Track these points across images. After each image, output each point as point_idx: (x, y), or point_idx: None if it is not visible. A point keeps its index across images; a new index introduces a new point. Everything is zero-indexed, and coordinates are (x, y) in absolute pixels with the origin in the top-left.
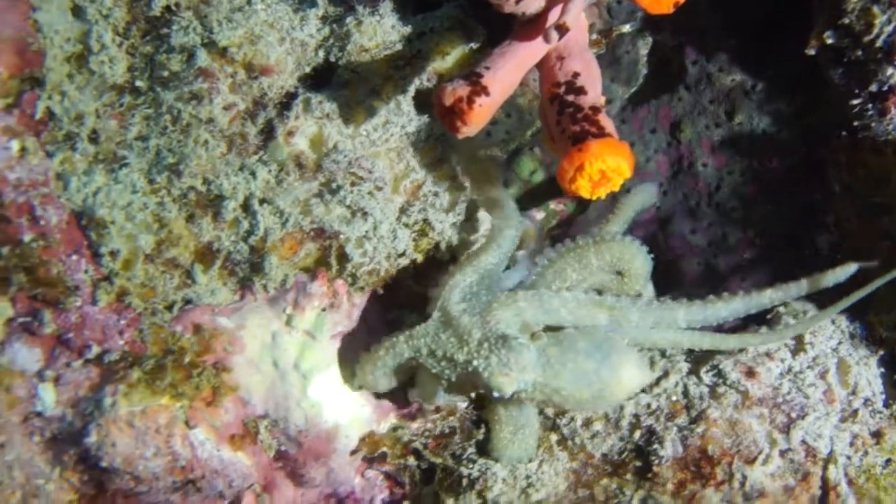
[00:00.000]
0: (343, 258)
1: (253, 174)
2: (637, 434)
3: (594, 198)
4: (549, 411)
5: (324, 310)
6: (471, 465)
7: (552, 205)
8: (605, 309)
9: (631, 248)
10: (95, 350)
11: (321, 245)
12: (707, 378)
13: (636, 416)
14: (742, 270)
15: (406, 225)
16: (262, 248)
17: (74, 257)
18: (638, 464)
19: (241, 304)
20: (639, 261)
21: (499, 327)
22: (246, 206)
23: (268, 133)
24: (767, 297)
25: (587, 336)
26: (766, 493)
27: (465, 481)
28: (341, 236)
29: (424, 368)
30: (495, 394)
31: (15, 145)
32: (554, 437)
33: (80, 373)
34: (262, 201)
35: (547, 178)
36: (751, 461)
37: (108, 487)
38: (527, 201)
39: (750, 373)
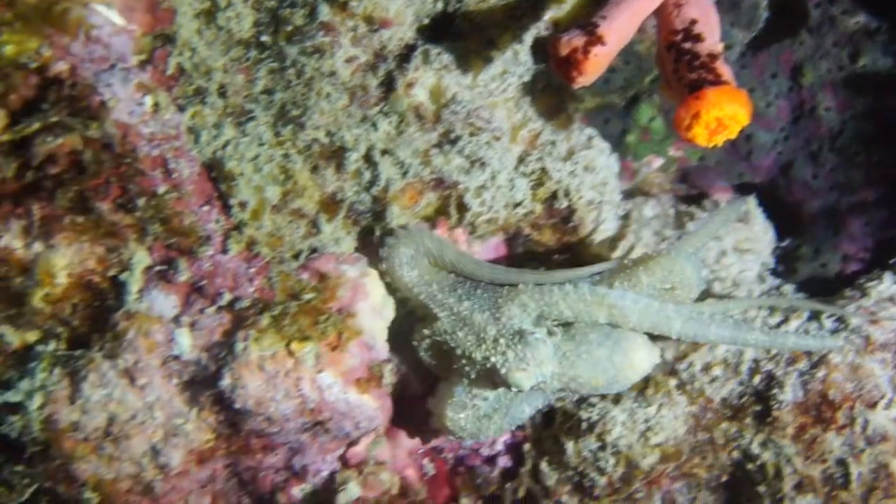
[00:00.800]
0: (462, 207)
1: (374, 126)
2: (757, 379)
3: (711, 146)
4: (669, 354)
5: None
6: (590, 409)
7: (671, 151)
8: (605, 308)
9: (678, 262)
10: (227, 297)
11: (441, 195)
12: (829, 323)
13: (756, 360)
14: (864, 212)
15: (524, 174)
16: (383, 198)
17: (206, 208)
18: (757, 408)
19: (365, 253)
20: (688, 271)
21: (513, 323)
22: (368, 158)
23: (388, 85)
24: (754, 337)
25: (597, 327)
26: (888, 437)
27: (584, 425)
28: (460, 186)
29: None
30: (514, 389)
31: (148, 101)
32: (672, 382)
33: (213, 319)
34: (383, 152)
35: (666, 124)
36: (873, 405)
37: (242, 428)
38: (645, 148)
39: (873, 318)
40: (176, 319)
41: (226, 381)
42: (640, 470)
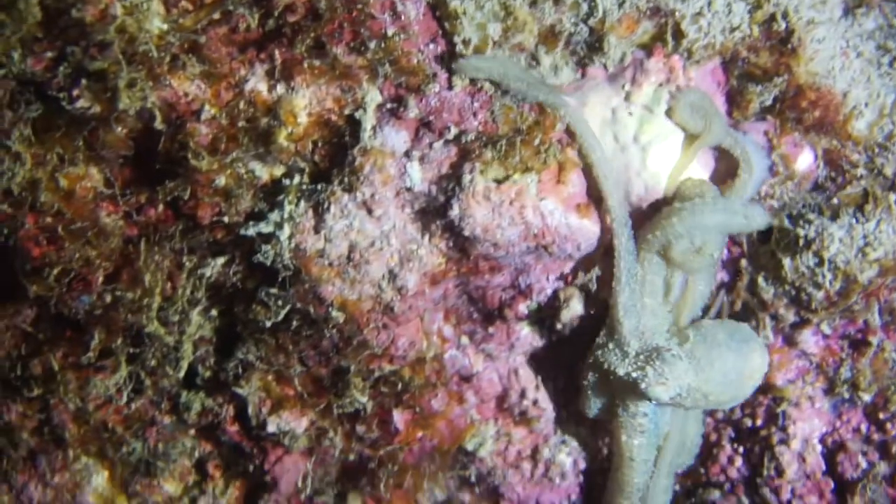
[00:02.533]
0: (679, 34)
1: None
2: None
3: None
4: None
5: (661, 85)
6: (806, 226)
7: None
8: None
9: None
10: (454, 131)
11: (657, 23)
12: None
13: None
14: None
15: None
16: (601, 28)
17: (431, 46)
18: None
19: (582, 83)
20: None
21: (653, 339)
22: None
23: None
24: None
25: (723, 326)
26: None
27: (801, 241)
28: (677, 13)
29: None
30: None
31: None
32: (892, 197)
33: (441, 152)
34: None
35: None
36: None
37: (470, 252)
38: None
39: None
40: (407, 154)
41: (455, 212)
42: (858, 284)
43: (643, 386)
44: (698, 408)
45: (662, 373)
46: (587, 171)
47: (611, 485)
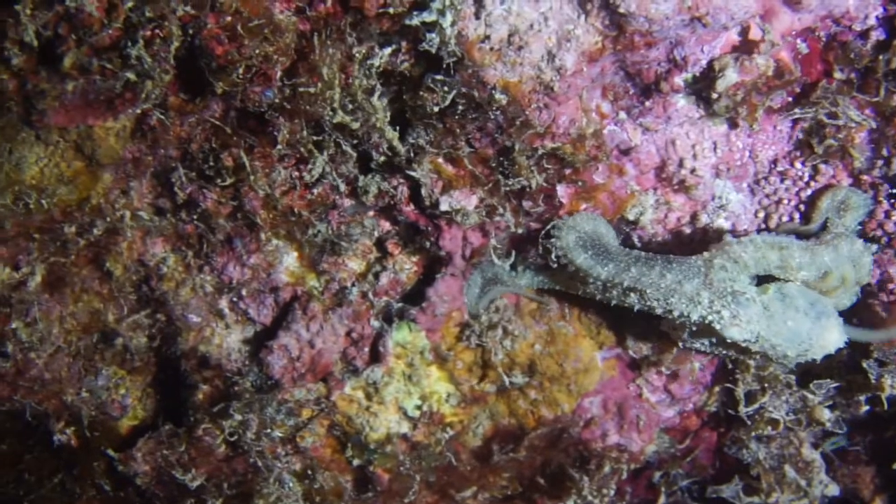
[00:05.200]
0: None
1: None
2: None
3: None
4: None
5: None
6: None
7: None
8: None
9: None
10: None
11: None
12: None
13: None
14: None
15: None
16: None
17: None
18: None
19: None
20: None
21: (724, 286)
22: None
23: None
24: None
25: (805, 294)
26: None
27: None
28: None
29: None
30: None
31: None
32: None
33: None
34: None
35: None
36: None
37: (625, 29)
38: None
39: None
40: None
41: None
42: None
43: (718, 328)
44: (766, 355)
45: (737, 314)
46: None
47: None
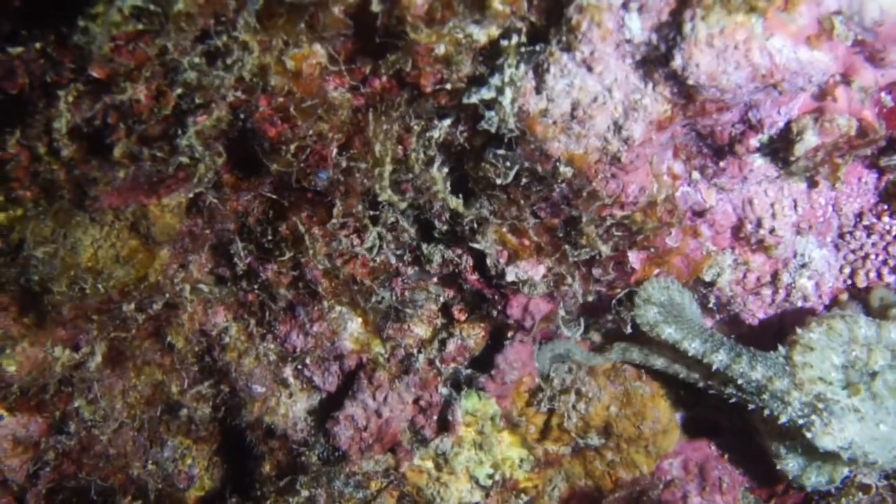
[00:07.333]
0: None
1: None
2: None
3: None
4: None
5: None
6: None
7: None
8: None
9: None
10: None
11: None
12: None
13: None
14: None
15: None
16: None
17: None
18: None
19: None
20: None
21: (816, 388)
22: None
23: None
24: None
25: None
26: None
27: None
28: None
29: None
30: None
31: None
32: None
33: (659, 0)
34: None
35: None
36: None
37: (696, 98)
38: None
39: None
40: (624, 5)
41: (677, 62)
42: None
43: (809, 436)
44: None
45: (829, 423)
46: None
47: None
